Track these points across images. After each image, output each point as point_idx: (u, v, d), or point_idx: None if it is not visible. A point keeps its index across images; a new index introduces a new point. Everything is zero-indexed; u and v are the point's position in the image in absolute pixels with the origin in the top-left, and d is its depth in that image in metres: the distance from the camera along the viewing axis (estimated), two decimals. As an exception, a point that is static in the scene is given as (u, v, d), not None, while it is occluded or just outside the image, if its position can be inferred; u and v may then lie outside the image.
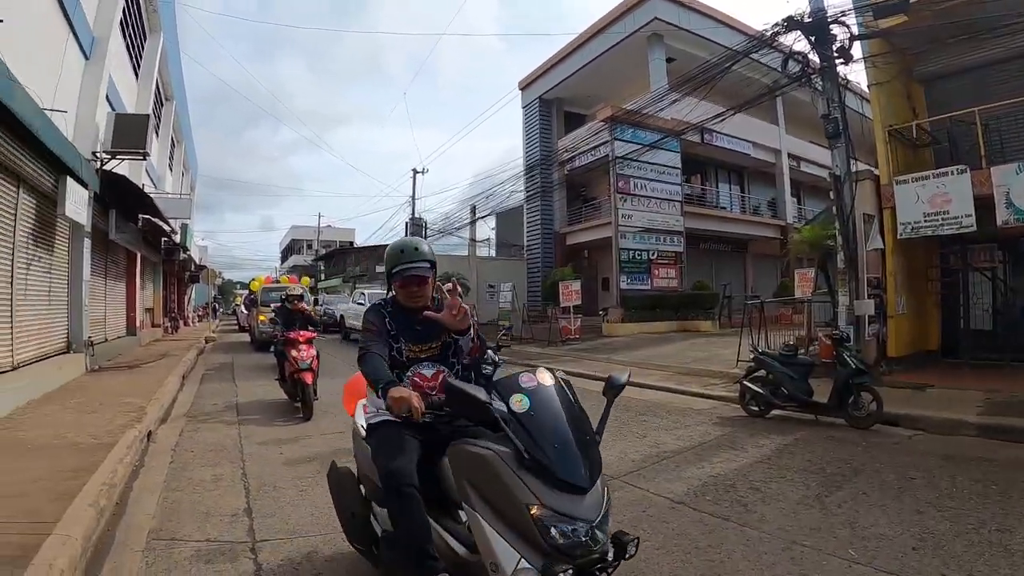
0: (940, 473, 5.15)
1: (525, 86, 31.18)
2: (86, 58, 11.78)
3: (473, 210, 28.56)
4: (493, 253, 34.42)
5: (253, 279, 28.14)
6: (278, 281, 24.36)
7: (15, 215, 8.51)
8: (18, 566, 3.14)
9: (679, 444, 6.34)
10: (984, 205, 9.43)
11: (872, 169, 11.72)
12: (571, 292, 19.31)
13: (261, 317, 17.90)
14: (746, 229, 28.86)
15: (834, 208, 10.84)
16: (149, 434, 6.80)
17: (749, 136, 26.61)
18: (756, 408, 7.85)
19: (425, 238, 29.28)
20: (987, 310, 11.58)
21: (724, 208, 28.80)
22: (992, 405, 7.55)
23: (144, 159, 13.98)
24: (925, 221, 10.09)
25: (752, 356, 8.41)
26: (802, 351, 9.20)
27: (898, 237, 10.60)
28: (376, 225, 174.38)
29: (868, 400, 7.05)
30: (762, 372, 7.94)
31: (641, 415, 7.99)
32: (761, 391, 7.77)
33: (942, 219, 9.87)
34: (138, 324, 17.69)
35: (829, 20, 10.22)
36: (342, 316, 24.17)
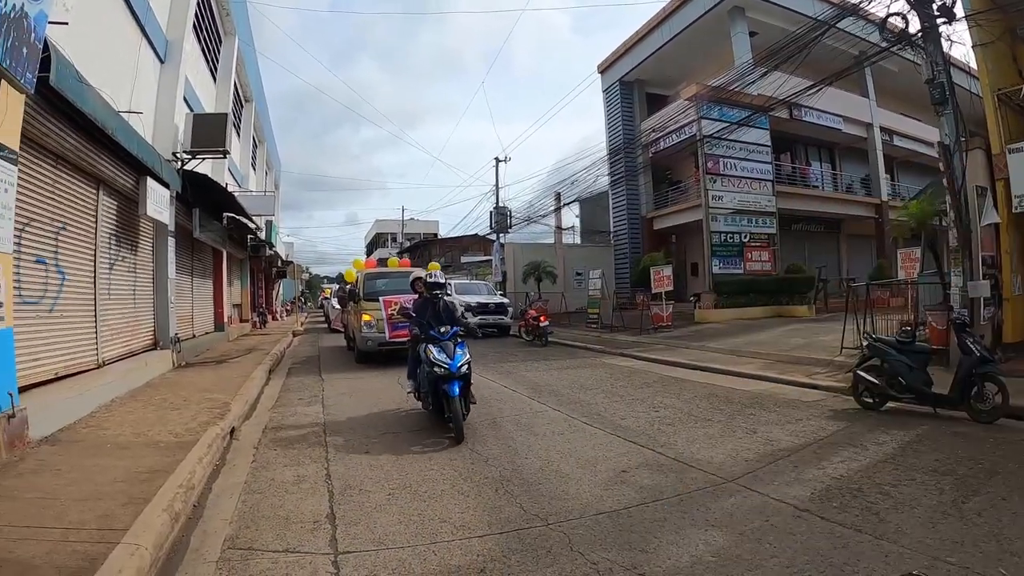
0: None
1: (604, 69, 30.55)
2: (161, 61, 11.95)
3: (558, 197, 28.05)
4: (578, 240, 33.88)
5: (346, 271, 19.53)
6: (384, 265, 18.47)
7: (96, 216, 8.56)
8: (80, 580, 2.87)
9: (794, 441, 5.82)
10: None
11: (982, 138, 10.61)
12: (663, 278, 18.65)
13: (366, 316, 12.62)
14: (839, 208, 27.39)
15: (944, 181, 9.88)
16: (232, 431, 6.62)
17: (839, 110, 25.19)
18: (870, 400, 7.17)
19: (509, 227, 29.69)
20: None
21: (816, 187, 27.44)
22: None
23: (225, 157, 14.14)
24: (1043, 193, 9.07)
25: (865, 343, 7.73)
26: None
27: (1013, 211, 9.62)
28: (459, 216, 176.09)
29: (993, 391, 6.31)
30: (876, 360, 7.22)
31: (747, 407, 7.49)
32: (877, 382, 7.06)
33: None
34: (226, 320, 18.04)
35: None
36: None
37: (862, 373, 7.25)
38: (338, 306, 23.06)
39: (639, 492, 4.46)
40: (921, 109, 27.11)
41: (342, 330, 19.07)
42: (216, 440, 5.77)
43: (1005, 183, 9.72)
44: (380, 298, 12.40)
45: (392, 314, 11.91)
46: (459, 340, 6.67)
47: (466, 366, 6.43)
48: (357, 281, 14.30)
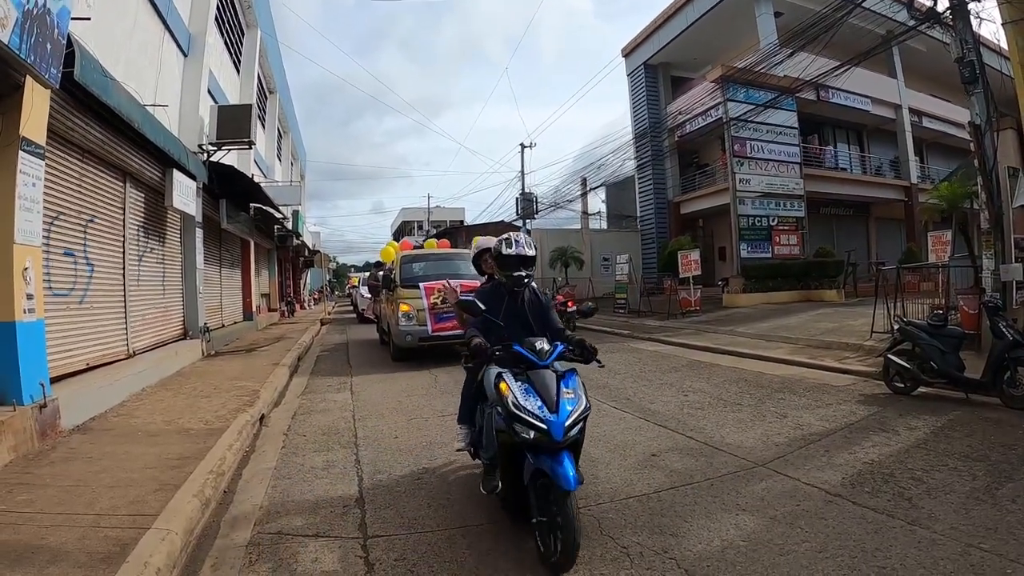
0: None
1: (628, 52, 30.09)
2: (184, 55, 12.03)
3: (584, 182, 27.84)
4: (604, 226, 33.65)
5: (382, 251, 16.32)
6: (420, 247, 15.10)
7: (123, 209, 8.67)
8: (112, 564, 2.91)
9: (824, 425, 5.70)
10: None
11: (1013, 118, 10.16)
12: (690, 262, 18.50)
13: (403, 307, 10.61)
14: (868, 191, 26.74)
15: (975, 162, 9.54)
16: (262, 418, 6.67)
17: (866, 91, 24.48)
18: (901, 385, 6.97)
19: (536, 212, 29.54)
20: None
21: (844, 169, 26.75)
22: None
23: (250, 148, 14.21)
24: (1075, 173, 8.68)
25: (896, 327, 7.54)
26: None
27: None
28: (485, 203, 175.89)
29: None
30: (907, 344, 7.05)
31: (777, 392, 7.34)
32: (908, 366, 6.84)
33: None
34: (254, 309, 18.26)
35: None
36: None
37: (893, 357, 7.07)
38: (367, 294, 20.83)
39: (669, 476, 4.40)
40: (950, 89, 26.47)
41: (374, 320, 16.84)
42: (246, 427, 5.82)
43: (1037, 163, 9.35)
44: (420, 284, 10.79)
45: (435, 303, 10.43)
46: (569, 370, 3.44)
47: (579, 424, 3.17)
48: (392, 264, 12.51)
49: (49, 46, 5.06)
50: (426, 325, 10.44)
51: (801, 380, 8.08)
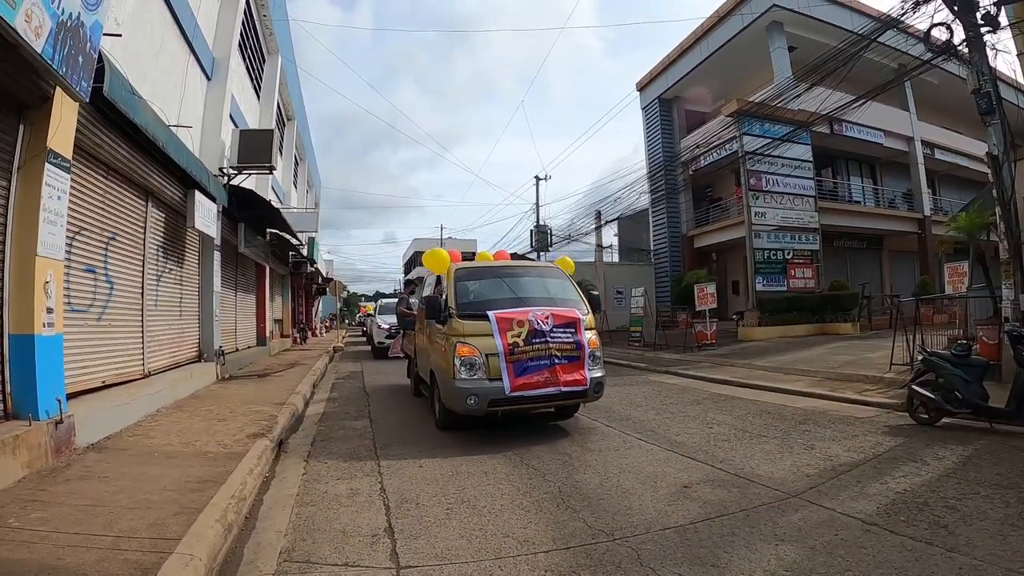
0: None
1: (643, 87, 30.39)
2: (208, 78, 12.12)
3: (598, 216, 27.83)
4: (616, 259, 33.57)
5: (424, 257, 9.28)
6: (472, 256, 10.06)
7: (144, 228, 8.60)
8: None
9: (853, 456, 5.68)
10: None
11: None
12: (706, 295, 18.39)
13: (463, 349, 6.67)
14: (881, 224, 26.55)
15: (994, 192, 9.55)
16: (280, 443, 6.48)
17: (879, 124, 24.46)
18: (926, 416, 6.96)
19: (550, 245, 29.45)
20: None
21: (857, 202, 26.65)
22: None
23: (271, 173, 14.24)
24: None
25: (920, 358, 7.59)
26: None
27: None
28: (498, 235, 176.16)
29: None
30: (931, 375, 7.01)
31: (801, 424, 7.30)
32: (933, 396, 6.82)
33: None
34: (268, 334, 18.14)
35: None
36: None
37: (917, 388, 7.04)
38: (385, 325, 18.94)
39: (704, 507, 4.30)
40: (962, 122, 26.59)
41: (400, 356, 12.68)
42: (265, 452, 5.63)
43: (1054, 193, 9.38)
44: (490, 314, 6.80)
45: (515, 343, 6.61)
46: None
47: None
48: (448, 279, 7.83)
49: (81, 59, 5.02)
50: (501, 379, 6.52)
51: (824, 412, 8.03)
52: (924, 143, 26.68)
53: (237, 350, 14.30)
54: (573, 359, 6.72)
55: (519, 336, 6.65)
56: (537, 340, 6.62)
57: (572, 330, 6.80)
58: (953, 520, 3.88)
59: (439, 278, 8.56)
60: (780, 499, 4.44)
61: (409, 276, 33.50)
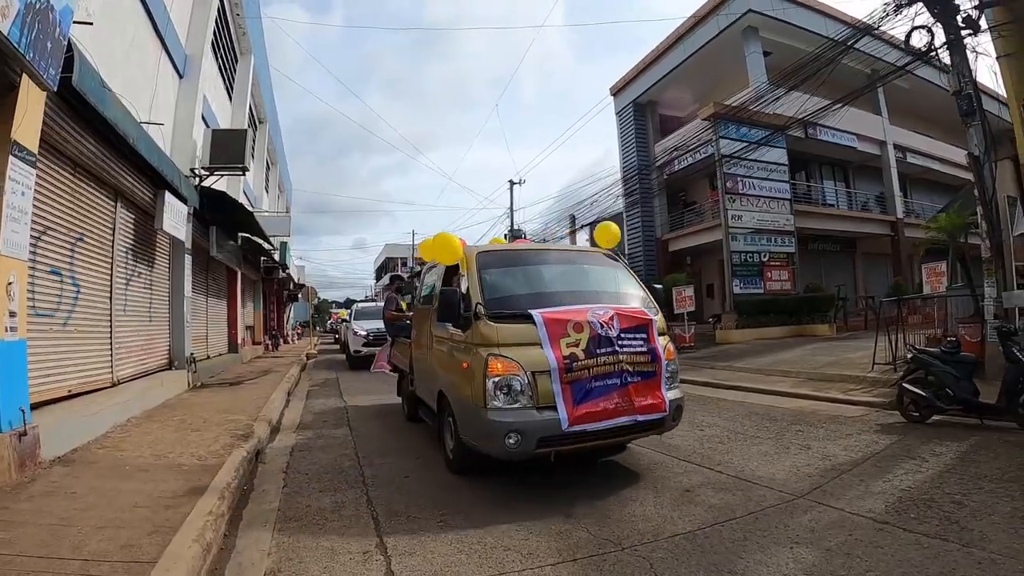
0: None
1: (617, 91, 30.37)
2: (180, 76, 11.80)
3: (573, 220, 27.74)
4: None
5: (420, 245, 7.61)
6: (514, 237, 8.27)
7: (113, 229, 8.23)
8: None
9: (851, 456, 5.70)
10: None
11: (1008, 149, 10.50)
12: (685, 298, 18.65)
13: (497, 366, 4.58)
14: (855, 226, 26.94)
15: (975, 191, 9.84)
16: (258, 454, 6.18)
17: (852, 128, 24.78)
18: (916, 413, 7.06)
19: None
20: None
21: (831, 205, 27.02)
22: None
23: (244, 174, 13.84)
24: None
25: (910, 355, 7.70)
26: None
27: None
28: (471, 239, 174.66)
29: None
30: (921, 373, 7.17)
31: (792, 424, 7.33)
32: (924, 394, 6.95)
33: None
34: (239, 341, 17.68)
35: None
36: None
37: (908, 386, 7.17)
38: (362, 332, 16.90)
39: (709, 511, 4.21)
40: (934, 126, 27.20)
41: (388, 371, 9.73)
42: (242, 463, 5.33)
43: (1035, 192, 9.58)
44: (537, 314, 4.83)
45: (574, 354, 4.72)
46: None
47: None
48: (459, 272, 5.64)
49: (50, 45, 4.70)
50: (555, 407, 4.59)
51: (814, 412, 8.14)
52: (896, 147, 27.19)
53: (209, 357, 13.87)
54: (648, 375, 4.94)
55: (577, 345, 4.74)
56: (603, 350, 4.77)
57: (644, 336, 5.03)
58: (963, 515, 3.91)
59: (447, 271, 6.30)
60: (786, 501, 4.38)
61: (395, 273, 32.69)
